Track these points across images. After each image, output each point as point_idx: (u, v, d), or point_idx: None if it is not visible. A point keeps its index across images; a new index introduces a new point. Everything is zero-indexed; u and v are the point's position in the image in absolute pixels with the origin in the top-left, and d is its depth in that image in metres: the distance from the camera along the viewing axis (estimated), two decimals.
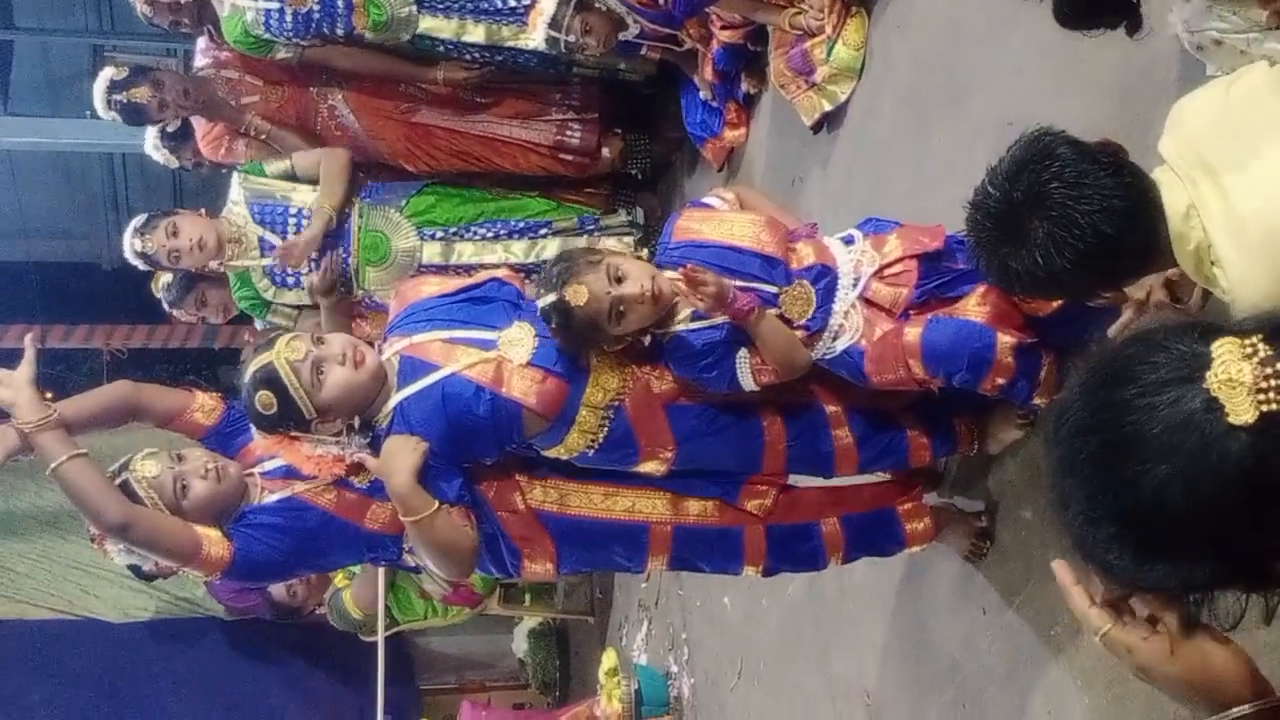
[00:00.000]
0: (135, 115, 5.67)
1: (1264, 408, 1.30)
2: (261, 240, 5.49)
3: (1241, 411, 1.30)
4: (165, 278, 5.81)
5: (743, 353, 3.17)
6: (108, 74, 5.72)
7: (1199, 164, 2.10)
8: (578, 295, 3.04)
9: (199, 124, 5.99)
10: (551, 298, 3.09)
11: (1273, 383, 1.30)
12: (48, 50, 11.01)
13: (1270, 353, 1.32)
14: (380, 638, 6.68)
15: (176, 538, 3.16)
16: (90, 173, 11.58)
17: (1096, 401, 1.41)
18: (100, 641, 8.32)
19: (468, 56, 5.72)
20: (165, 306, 5.87)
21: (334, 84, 5.85)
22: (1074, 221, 2.12)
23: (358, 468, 3.26)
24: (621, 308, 3.08)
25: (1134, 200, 2.14)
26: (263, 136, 5.83)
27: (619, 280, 3.08)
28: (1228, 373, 1.31)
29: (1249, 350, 1.32)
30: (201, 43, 5.92)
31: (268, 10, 5.46)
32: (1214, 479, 1.32)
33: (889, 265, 3.17)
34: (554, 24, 5.22)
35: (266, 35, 5.53)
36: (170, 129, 6.00)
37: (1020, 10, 3.59)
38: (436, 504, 3.15)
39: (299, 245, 5.36)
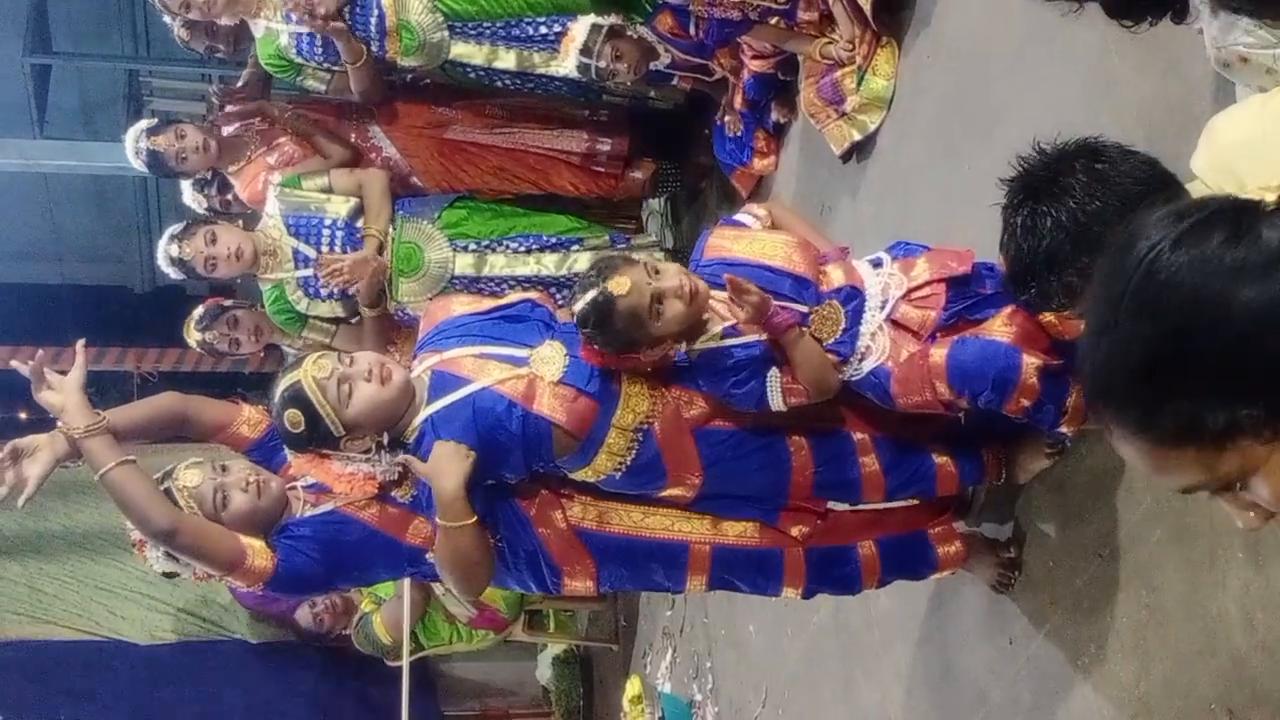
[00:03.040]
0: (155, 163, 5.71)
1: None
2: (295, 252, 5.53)
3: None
4: (197, 314, 5.78)
5: (774, 372, 3.17)
6: (141, 124, 5.80)
7: (1232, 181, 2.10)
8: (620, 285, 3.06)
9: (235, 178, 6.01)
10: (593, 293, 3.09)
11: None
12: (84, 75, 11.13)
13: None
14: (405, 662, 6.68)
15: (222, 546, 3.19)
16: (124, 197, 11.68)
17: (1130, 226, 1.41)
18: (126, 663, 8.35)
19: (499, 83, 5.76)
20: (197, 337, 5.79)
21: (367, 112, 5.89)
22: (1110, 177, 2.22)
23: (393, 484, 3.28)
24: (661, 301, 3.09)
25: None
26: (305, 135, 5.83)
27: (657, 274, 3.11)
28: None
29: None
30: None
31: (298, 35, 5.52)
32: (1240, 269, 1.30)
33: (917, 288, 3.18)
34: (585, 51, 5.26)
35: (299, 60, 5.59)
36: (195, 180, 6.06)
37: (1052, 39, 3.61)
38: (475, 515, 3.17)
39: (347, 264, 5.39)
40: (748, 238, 3.32)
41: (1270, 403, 1.30)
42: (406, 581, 6.35)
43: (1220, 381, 1.31)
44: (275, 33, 5.55)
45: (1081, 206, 2.22)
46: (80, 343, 3.30)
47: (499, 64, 5.62)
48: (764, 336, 3.15)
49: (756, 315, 3.07)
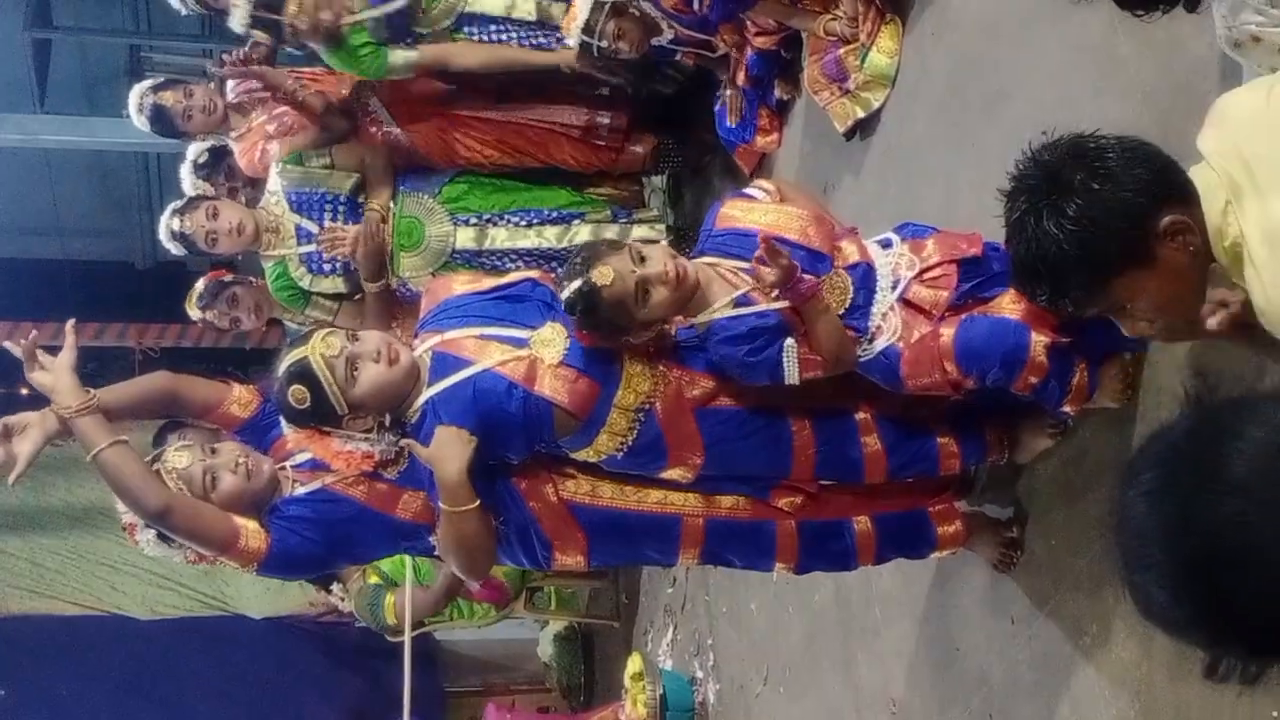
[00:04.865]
0: (161, 119, 5.69)
1: None
2: (298, 228, 5.55)
3: None
4: (198, 290, 5.79)
5: (789, 342, 3.13)
6: (147, 81, 5.79)
7: (1238, 162, 2.09)
8: (603, 276, 3.04)
9: (235, 144, 5.99)
10: (576, 283, 3.07)
11: None
12: (85, 50, 11.09)
13: None
14: (407, 638, 6.68)
15: (215, 527, 3.19)
16: (125, 172, 11.65)
17: (1189, 463, 1.36)
18: (128, 637, 8.39)
19: (507, 37, 5.69)
20: (198, 313, 5.82)
21: (368, 86, 5.87)
22: (1113, 175, 2.18)
23: (387, 463, 3.28)
24: (647, 288, 3.07)
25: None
26: (306, 105, 5.81)
27: (642, 260, 3.09)
28: None
29: None
30: (230, 83, 5.95)
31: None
32: None
33: (929, 269, 3.16)
34: (588, 30, 5.23)
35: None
36: (200, 158, 6.03)
37: (1058, 16, 3.59)
38: (478, 500, 3.17)
39: (350, 234, 5.38)
40: (761, 209, 3.29)
41: None
42: (409, 572, 6.39)
43: None
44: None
45: (1082, 229, 2.18)
46: (70, 323, 3.30)
47: (517, 14, 5.59)
48: (779, 306, 3.12)
49: (784, 278, 3.03)
